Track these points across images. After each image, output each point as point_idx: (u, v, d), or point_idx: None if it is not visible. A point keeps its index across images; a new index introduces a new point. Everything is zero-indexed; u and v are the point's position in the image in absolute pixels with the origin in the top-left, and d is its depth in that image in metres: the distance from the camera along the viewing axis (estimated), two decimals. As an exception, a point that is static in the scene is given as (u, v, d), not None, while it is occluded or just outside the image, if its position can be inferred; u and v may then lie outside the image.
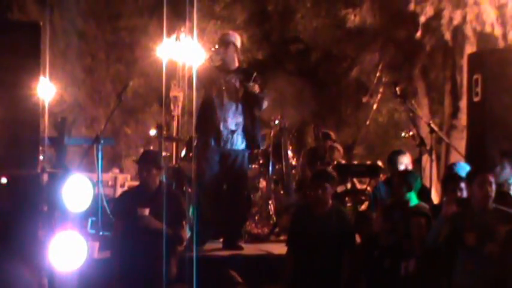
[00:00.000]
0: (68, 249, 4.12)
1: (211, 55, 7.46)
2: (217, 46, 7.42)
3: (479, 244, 5.15)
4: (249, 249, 7.29)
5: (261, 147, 7.62)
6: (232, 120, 7.26)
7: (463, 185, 5.80)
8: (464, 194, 5.76)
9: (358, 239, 6.45)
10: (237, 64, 7.44)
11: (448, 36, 10.99)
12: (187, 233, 6.59)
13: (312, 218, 6.28)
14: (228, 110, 7.26)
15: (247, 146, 7.38)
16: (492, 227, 5.19)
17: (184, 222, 6.20)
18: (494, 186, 5.33)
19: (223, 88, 7.27)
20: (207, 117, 7.29)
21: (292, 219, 6.61)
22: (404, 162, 7.60)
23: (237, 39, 7.47)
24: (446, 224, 5.40)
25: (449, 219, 5.41)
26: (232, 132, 7.25)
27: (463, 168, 6.51)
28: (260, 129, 7.60)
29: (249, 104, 7.30)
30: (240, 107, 7.29)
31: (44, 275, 4.16)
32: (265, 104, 7.38)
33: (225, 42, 7.36)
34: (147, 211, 5.87)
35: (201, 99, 7.48)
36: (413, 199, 6.50)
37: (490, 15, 10.48)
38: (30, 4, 18.22)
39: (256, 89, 7.24)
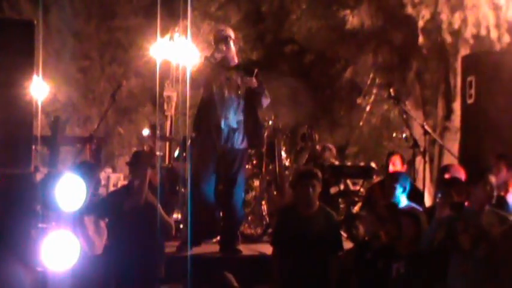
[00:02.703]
0: (60, 249, 4.10)
1: (213, 53, 7.18)
2: (216, 43, 7.17)
3: (473, 246, 5.14)
4: (242, 249, 7.27)
5: (264, 147, 7.42)
6: (234, 118, 7.07)
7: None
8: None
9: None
10: (236, 60, 7.28)
11: (443, 38, 11.01)
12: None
13: (299, 218, 6.15)
14: (229, 106, 7.05)
15: (250, 145, 7.22)
16: (487, 229, 5.19)
17: (172, 216, 6.19)
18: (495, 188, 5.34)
19: (224, 84, 7.08)
20: (207, 114, 7.09)
21: (278, 220, 6.51)
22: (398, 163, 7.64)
23: (232, 33, 7.29)
24: (441, 228, 5.37)
25: (443, 223, 5.39)
26: (234, 130, 7.06)
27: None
28: (262, 128, 7.42)
29: (251, 101, 7.11)
30: (241, 104, 7.10)
31: (37, 274, 4.14)
32: (265, 102, 7.18)
33: (223, 38, 7.13)
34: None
35: (201, 96, 7.27)
36: (404, 200, 6.50)
37: (485, 18, 10.50)
38: (23, 3, 18.12)
39: (254, 83, 7.03)
